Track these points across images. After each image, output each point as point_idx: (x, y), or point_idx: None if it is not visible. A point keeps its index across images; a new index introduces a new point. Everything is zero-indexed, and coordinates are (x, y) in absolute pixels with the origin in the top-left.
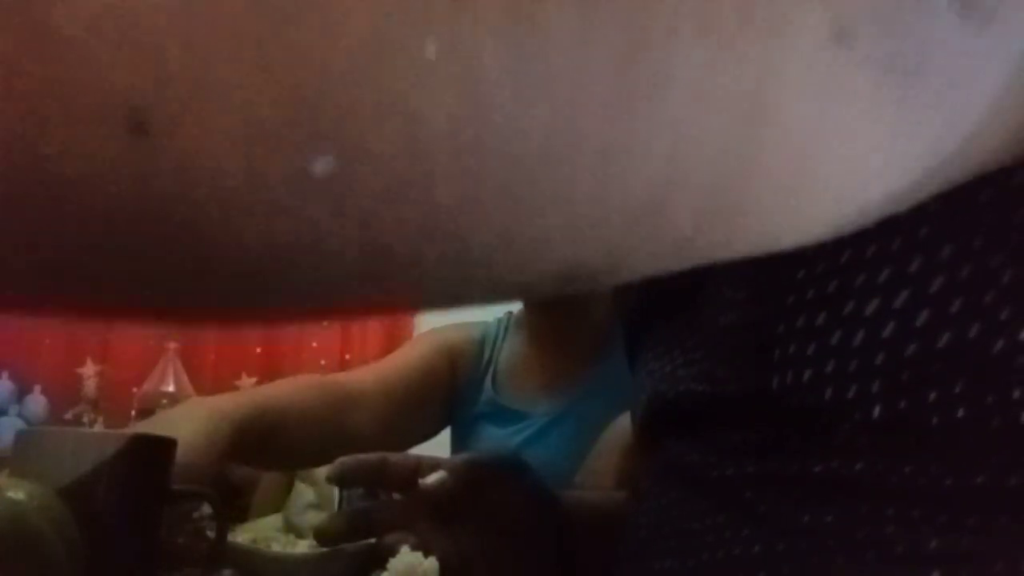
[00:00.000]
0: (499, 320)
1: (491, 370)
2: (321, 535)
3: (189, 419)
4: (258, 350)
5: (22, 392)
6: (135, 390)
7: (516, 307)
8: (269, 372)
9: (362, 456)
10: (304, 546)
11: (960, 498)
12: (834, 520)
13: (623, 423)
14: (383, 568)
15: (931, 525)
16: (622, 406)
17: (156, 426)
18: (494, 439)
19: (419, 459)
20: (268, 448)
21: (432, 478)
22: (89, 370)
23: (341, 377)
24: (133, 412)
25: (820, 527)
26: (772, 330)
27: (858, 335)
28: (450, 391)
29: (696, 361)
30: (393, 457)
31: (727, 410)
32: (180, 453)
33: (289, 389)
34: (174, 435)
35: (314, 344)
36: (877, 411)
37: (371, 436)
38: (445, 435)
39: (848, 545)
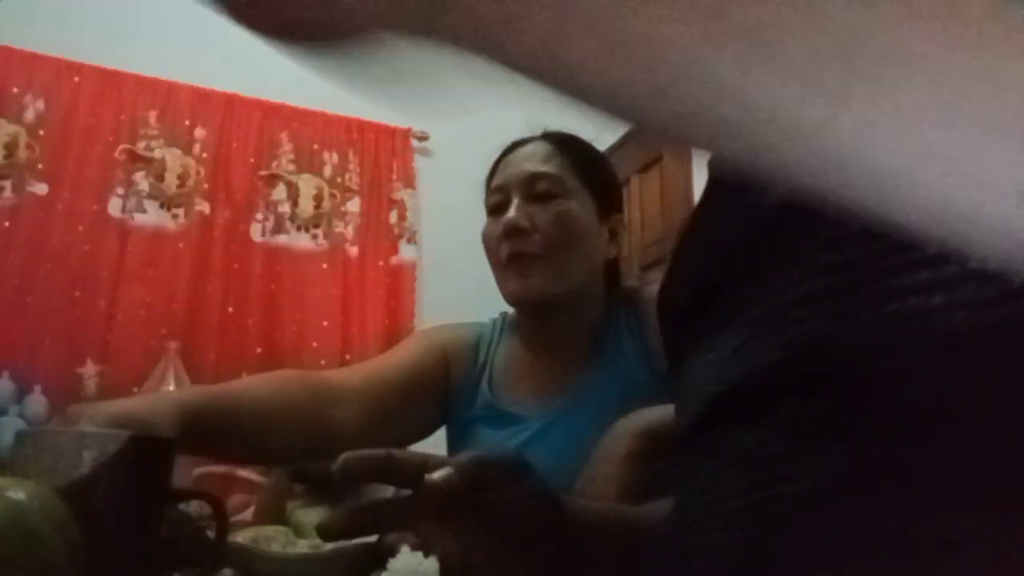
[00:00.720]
0: (494, 321)
1: (487, 373)
2: (324, 531)
3: (143, 400)
4: (258, 350)
5: (22, 392)
6: (136, 390)
7: (510, 309)
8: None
9: (367, 451)
10: (304, 546)
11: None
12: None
13: (620, 429)
14: (383, 568)
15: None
16: (618, 410)
17: (112, 405)
18: (490, 442)
19: (426, 457)
20: (228, 437)
21: (439, 474)
22: (89, 370)
23: (327, 373)
24: None
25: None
26: (860, 296)
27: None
28: (443, 392)
29: (769, 336)
30: (399, 453)
31: (800, 389)
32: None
33: (263, 381)
34: (125, 413)
35: (314, 344)
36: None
37: (354, 433)
38: (440, 437)
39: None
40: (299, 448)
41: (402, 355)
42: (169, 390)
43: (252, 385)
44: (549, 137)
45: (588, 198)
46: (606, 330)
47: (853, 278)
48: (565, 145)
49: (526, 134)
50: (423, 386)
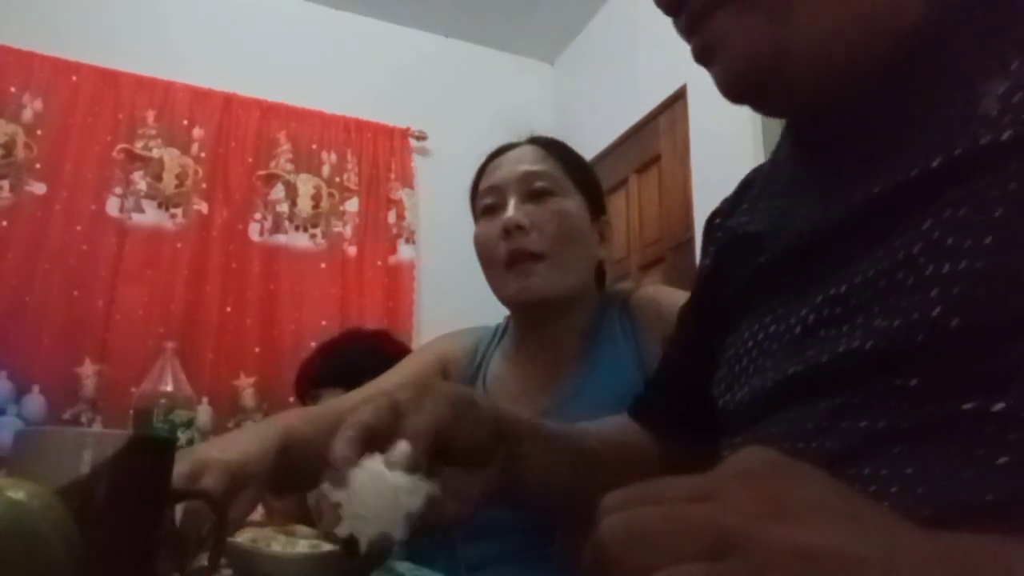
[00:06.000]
0: (497, 325)
1: (482, 374)
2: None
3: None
4: (256, 349)
5: (20, 392)
6: (133, 389)
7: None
8: (267, 372)
9: (348, 434)
10: (304, 546)
11: None
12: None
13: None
14: (384, 568)
15: None
16: (611, 410)
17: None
18: None
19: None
20: (293, 474)
21: (396, 453)
22: (87, 370)
23: (337, 402)
24: (131, 411)
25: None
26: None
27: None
28: None
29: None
30: (373, 422)
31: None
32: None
33: (301, 420)
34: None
35: (312, 344)
36: None
37: None
38: None
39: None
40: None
41: (403, 375)
42: (249, 435)
43: (299, 425)
44: (536, 141)
45: (580, 198)
46: (599, 331)
47: None
48: (553, 148)
49: (513, 139)
50: None
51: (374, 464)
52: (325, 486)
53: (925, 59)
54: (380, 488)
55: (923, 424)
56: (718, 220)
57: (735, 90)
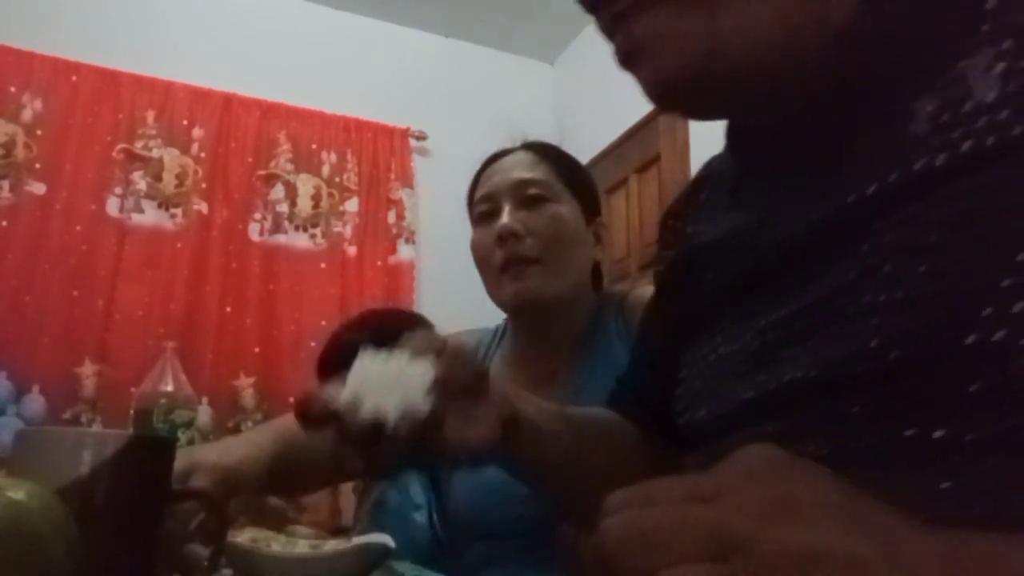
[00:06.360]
0: (497, 327)
1: None
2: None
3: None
4: (256, 349)
5: (20, 392)
6: (133, 390)
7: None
8: (267, 372)
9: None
10: (304, 546)
11: None
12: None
13: None
14: (384, 567)
15: None
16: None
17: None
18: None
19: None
20: (291, 479)
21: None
22: (87, 370)
23: None
24: (131, 412)
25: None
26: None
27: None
28: None
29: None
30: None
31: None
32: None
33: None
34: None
35: (312, 344)
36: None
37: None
38: None
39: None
40: (318, 480)
41: None
42: (247, 440)
43: (297, 430)
44: (530, 147)
45: (574, 202)
46: (595, 332)
47: None
48: (547, 153)
49: (507, 145)
50: None
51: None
52: (331, 388)
53: (855, 71)
54: (384, 367)
55: (866, 450)
56: (671, 222)
57: (667, 94)
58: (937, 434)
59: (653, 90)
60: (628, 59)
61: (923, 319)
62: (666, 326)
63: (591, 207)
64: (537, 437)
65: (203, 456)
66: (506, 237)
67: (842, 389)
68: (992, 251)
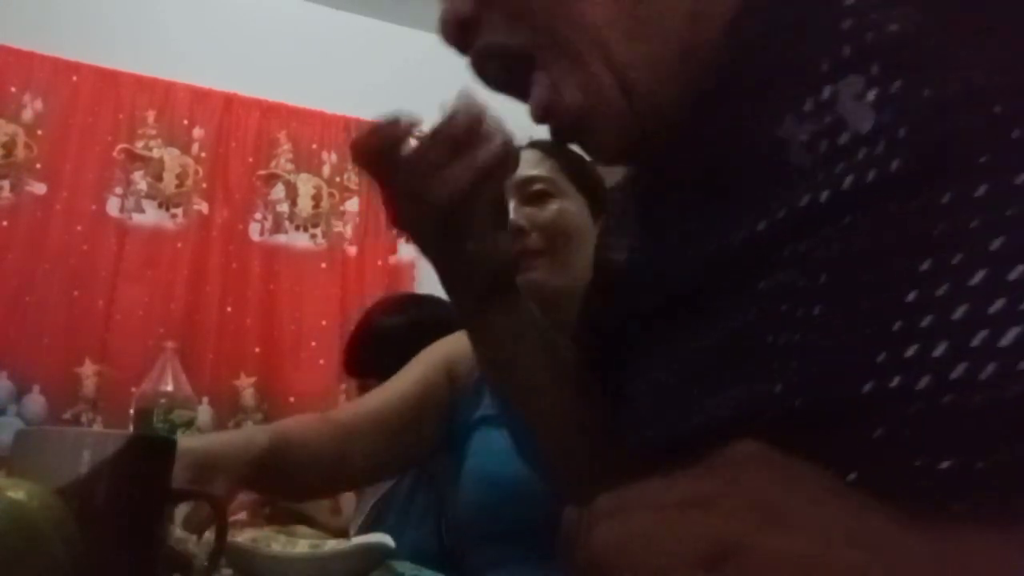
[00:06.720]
0: None
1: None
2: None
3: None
4: (256, 349)
5: (21, 392)
6: (133, 389)
7: None
8: (268, 372)
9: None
10: (304, 546)
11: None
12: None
13: None
14: (384, 567)
15: None
16: None
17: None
18: (492, 441)
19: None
20: (282, 478)
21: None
22: (88, 370)
23: (336, 412)
24: (131, 411)
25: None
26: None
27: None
28: (449, 403)
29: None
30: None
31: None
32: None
33: (298, 425)
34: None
35: (313, 344)
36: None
37: (365, 465)
38: None
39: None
40: (323, 486)
41: (408, 380)
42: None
43: (296, 428)
44: (535, 144)
45: (581, 198)
46: None
47: None
48: (552, 150)
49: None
50: (432, 404)
51: None
52: None
53: (725, 100)
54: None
55: None
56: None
57: (611, 154)
58: (850, 477)
59: (599, 152)
60: (545, 116)
61: (821, 366)
62: (598, 338)
63: (597, 203)
64: (518, 310)
65: (185, 443)
66: (512, 233)
67: (753, 431)
68: (880, 293)
